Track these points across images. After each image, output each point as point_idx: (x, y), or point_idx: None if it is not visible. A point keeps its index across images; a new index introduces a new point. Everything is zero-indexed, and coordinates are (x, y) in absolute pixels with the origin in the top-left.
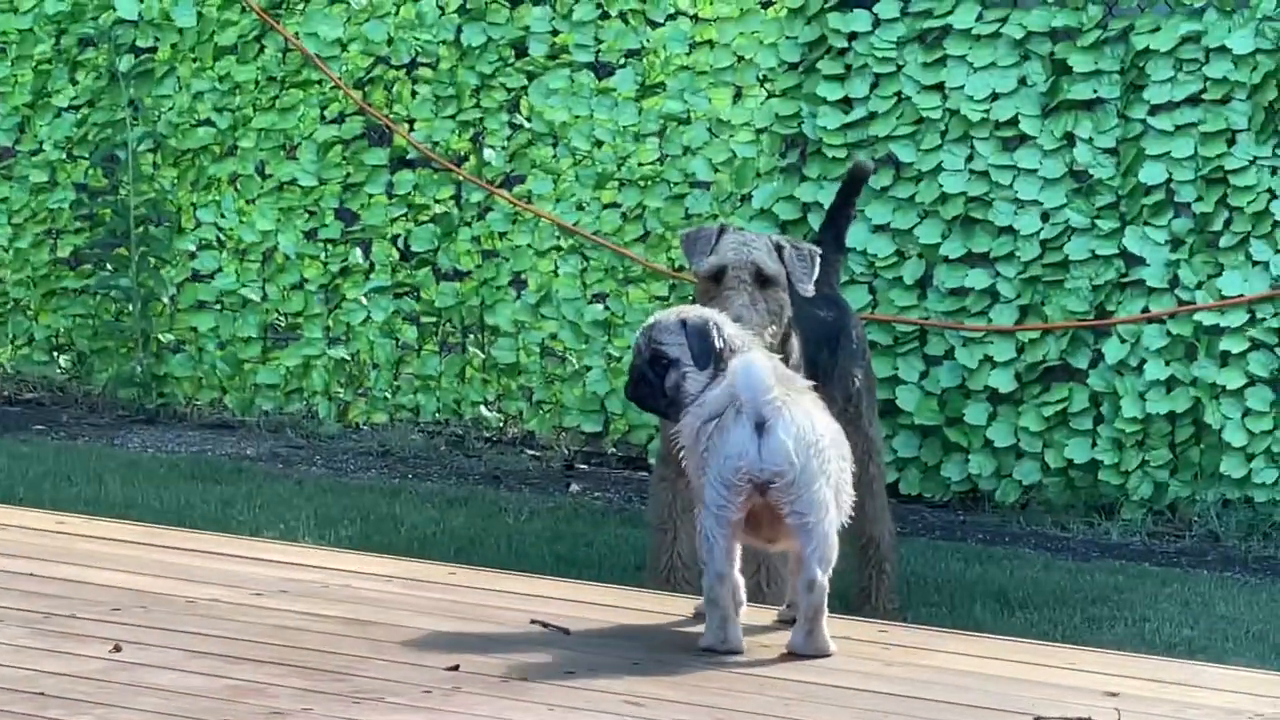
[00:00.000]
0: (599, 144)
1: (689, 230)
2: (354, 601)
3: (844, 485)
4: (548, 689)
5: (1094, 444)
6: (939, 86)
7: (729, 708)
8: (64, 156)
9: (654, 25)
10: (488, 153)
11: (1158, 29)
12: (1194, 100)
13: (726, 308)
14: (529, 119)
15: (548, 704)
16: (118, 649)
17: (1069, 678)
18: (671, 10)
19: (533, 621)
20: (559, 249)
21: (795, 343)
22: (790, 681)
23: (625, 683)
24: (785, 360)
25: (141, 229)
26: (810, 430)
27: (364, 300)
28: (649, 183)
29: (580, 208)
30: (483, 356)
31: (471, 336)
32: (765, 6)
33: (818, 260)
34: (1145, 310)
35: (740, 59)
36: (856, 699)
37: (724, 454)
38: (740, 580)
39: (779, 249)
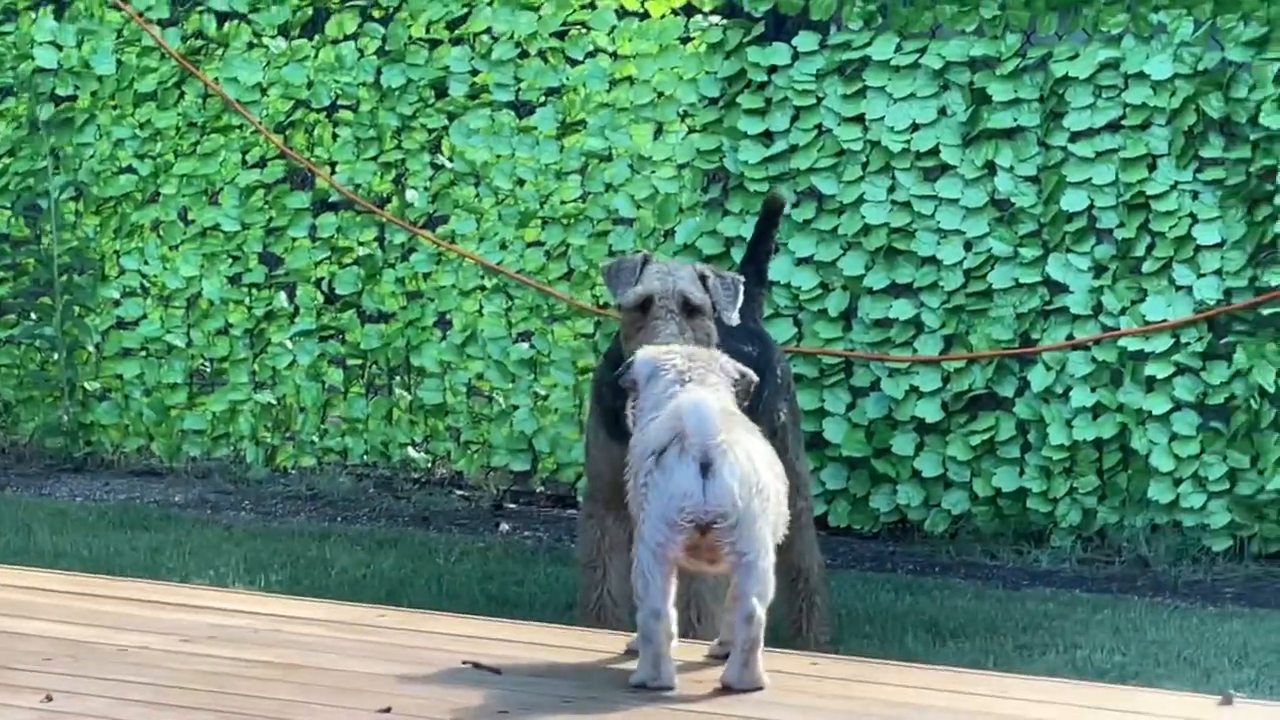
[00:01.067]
0: (521, 182)
1: (610, 262)
2: (283, 645)
3: (781, 515)
4: None
5: (1022, 472)
6: (859, 118)
7: None
8: None
9: (573, 63)
10: (410, 194)
11: (1076, 56)
12: (1114, 126)
13: (654, 338)
14: (450, 159)
15: None
16: (49, 699)
17: (1000, 705)
18: (591, 48)
19: (464, 662)
20: (483, 288)
21: None
22: (724, 716)
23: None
24: None
25: (65, 277)
26: (753, 471)
27: (289, 344)
28: (572, 220)
29: (504, 246)
30: (409, 398)
31: (398, 378)
32: (684, 42)
33: (741, 288)
34: (1070, 337)
35: (660, 95)
36: None
37: (668, 493)
38: (673, 614)
39: (703, 278)
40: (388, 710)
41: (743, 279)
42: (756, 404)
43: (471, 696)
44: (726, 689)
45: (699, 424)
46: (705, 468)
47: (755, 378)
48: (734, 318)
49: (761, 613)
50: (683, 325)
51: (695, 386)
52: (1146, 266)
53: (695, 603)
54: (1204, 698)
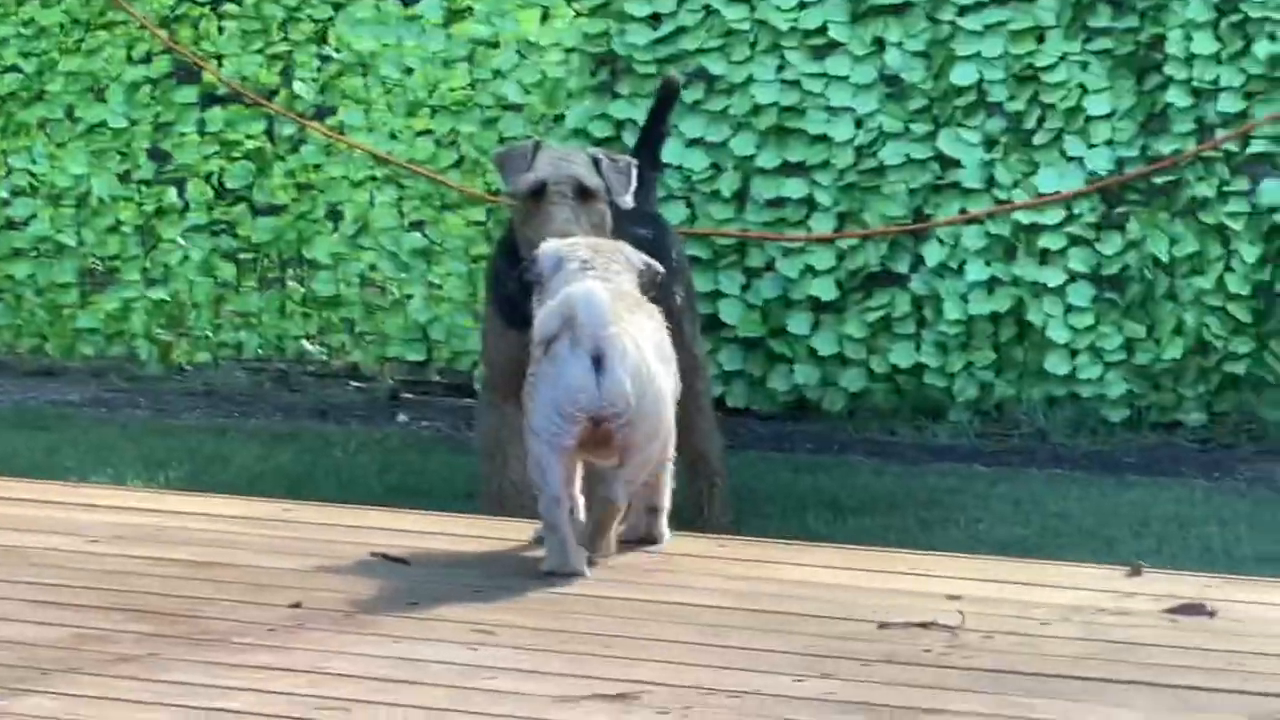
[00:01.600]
0: (409, 72)
1: (501, 149)
2: (190, 543)
3: (669, 399)
4: (392, 621)
5: (918, 348)
6: None
7: (574, 630)
8: None
9: None
10: (298, 85)
11: None
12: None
13: (549, 224)
14: (338, 50)
15: (393, 636)
16: None
17: (910, 583)
18: None
19: (372, 554)
20: (374, 179)
21: None
22: (634, 601)
23: (469, 610)
24: None
25: None
26: (644, 363)
27: (181, 240)
28: (461, 108)
29: (393, 136)
30: (303, 290)
31: (290, 271)
32: None
33: (634, 171)
34: (963, 212)
35: None
36: (700, 615)
37: (560, 385)
38: (580, 500)
39: (596, 162)
40: (298, 605)
41: (635, 161)
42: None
43: (382, 588)
44: (633, 580)
45: (590, 314)
46: (597, 361)
47: (660, 269)
48: (628, 201)
49: (622, 500)
50: (576, 211)
51: (598, 277)
52: (1038, 139)
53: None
54: (1113, 569)
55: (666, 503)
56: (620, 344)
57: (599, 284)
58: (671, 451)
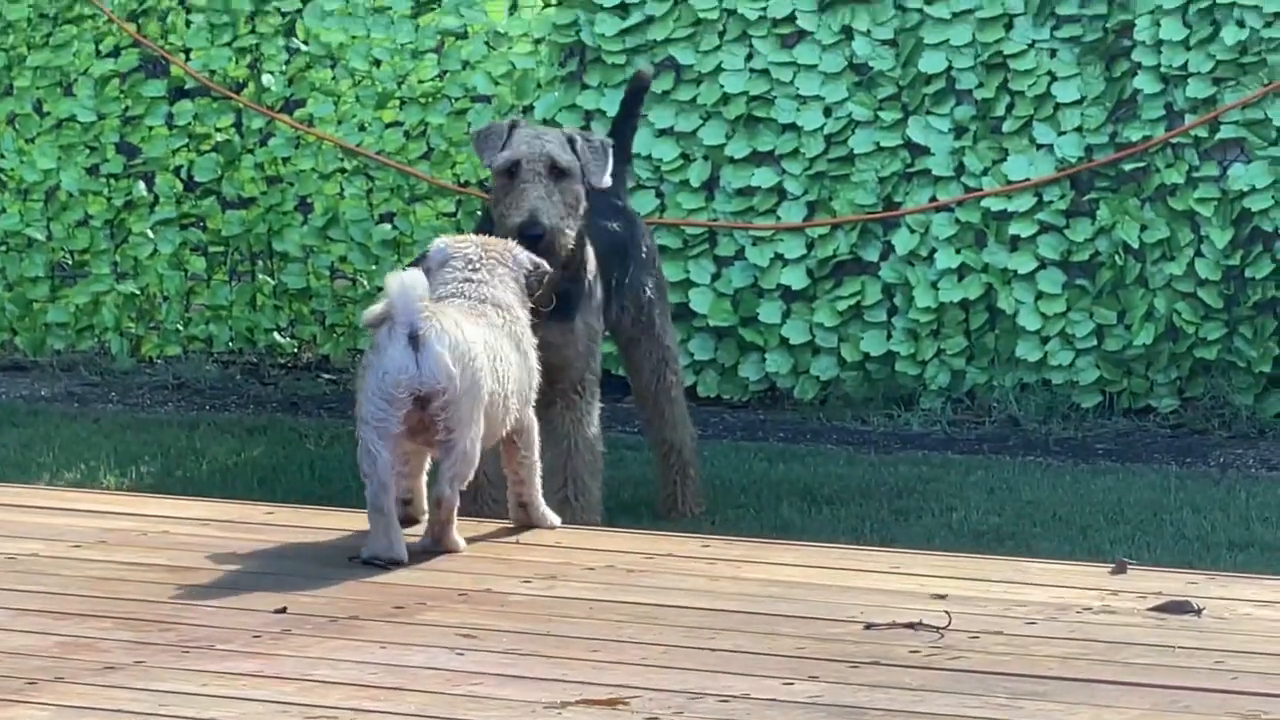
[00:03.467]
0: (377, 63)
1: (479, 128)
2: (174, 548)
3: (499, 397)
4: (378, 626)
5: (889, 336)
6: None
7: (561, 634)
8: None
9: None
10: (266, 78)
11: None
12: None
13: (522, 201)
14: (306, 42)
15: (379, 642)
16: None
17: (895, 582)
18: None
19: (351, 558)
20: (343, 171)
21: (590, 253)
22: (619, 604)
23: (454, 614)
24: (581, 270)
25: None
26: (463, 341)
27: (150, 234)
28: (430, 100)
29: (362, 128)
30: (273, 283)
31: (260, 263)
32: None
33: (610, 151)
34: (933, 199)
35: None
36: (684, 616)
37: (382, 369)
38: (423, 488)
39: (571, 141)
40: (284, 610)
41: (611, 141)
42: (624, 279)
43: (365, 594)
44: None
45: (402, 298)
46: (414, 340)
47: (548, 269)
48: (604, 181)
49: (453, 496)
50: (550, 188)
51: (485, 274)
52: (1007, 126)
53: (571, 480)
54: (1097, 566)
55: (536, 496)
56: (436, 322)
57: (417, 272)
58: (530, 445)
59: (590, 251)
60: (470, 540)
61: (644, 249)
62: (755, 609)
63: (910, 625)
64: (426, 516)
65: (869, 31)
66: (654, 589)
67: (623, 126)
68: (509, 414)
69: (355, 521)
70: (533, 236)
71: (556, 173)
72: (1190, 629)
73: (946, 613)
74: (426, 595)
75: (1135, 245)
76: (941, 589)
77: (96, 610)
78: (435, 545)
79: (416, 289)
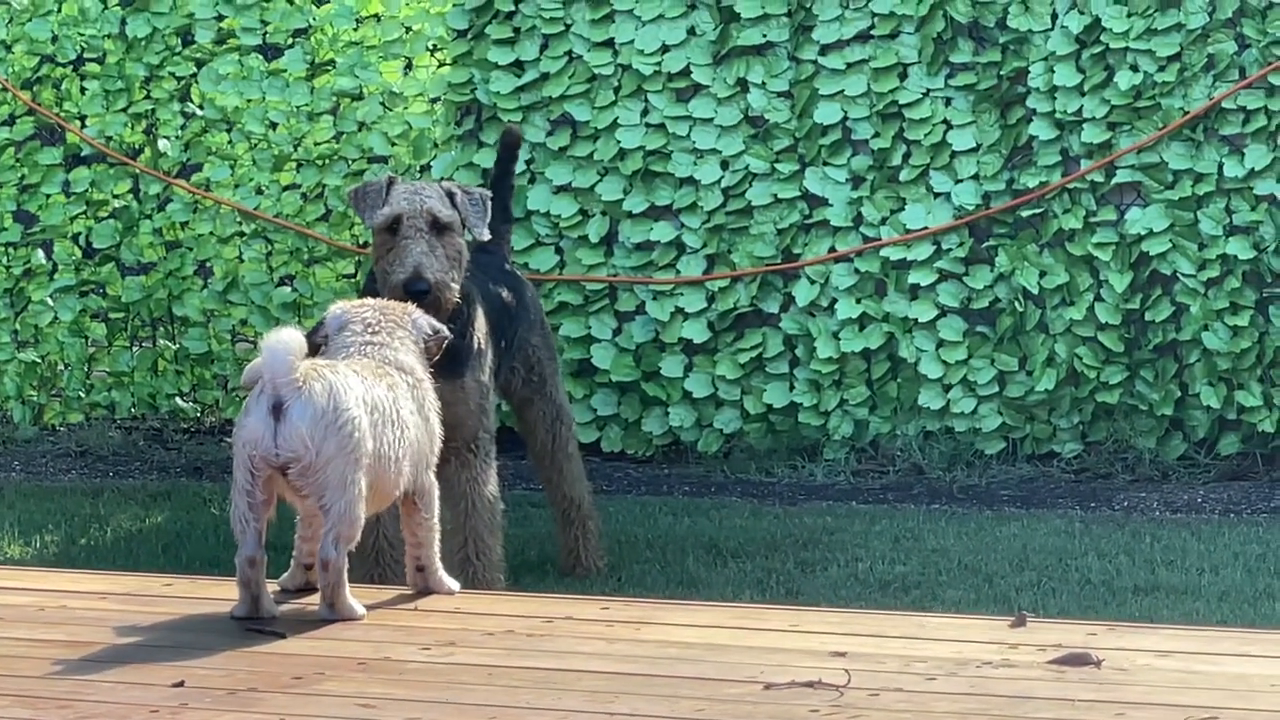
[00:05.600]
0: (273, 126)
1: (357, 186)
2: (72, 623)
3: (388, 460)
4: (275, 697)
5: (792, 387)
6: (609, 43)
7: (461, 701)
8: None
9: (319, 3)
10: (163, 143)
11: None
12: (863, 37)
13: (405, 257)
14: (201, 106)
15: (278, 714)
16: None
17: (794, 640)
18: None
19: (248, 629)
20: (242, 234)
21: (479, 311)
22: (516, 669)
23: (354, 684)
24: (469, 326)
25: None
26: (331, 410)
27: (50, 301)
28: (327, 161)
29: (260, 191)
30: (174, 348)
31: (161, 329)
32: None
33: (490, 203)
34: (832, 250)
35: (408, 30)
36: (582, 681)
37: (241, 438)
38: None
39: (451, 195)
40: (181, 684)
41: (490, 194)
42: (512, 340)
43: (265, 662)
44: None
45: (273, 362)
46: (276, 409)
47: (448, 334)
48: (484, 233)
49: (338, 558)
50: (432, 243)
51: (385, 336)
52: (904, 175)
53: (471, 539)
54: (997, 620)
55: (434, 560)
56: (304, 390)
57: (293, 331)
58: (429, 507)
59: (479, 310)
60: (369, 607)
61: (530, 309)
62: (655, 671)
63: (809, 684)
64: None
65: (764, 84)
66: (553, 653)
67: (499, 186)
68: (401, 476)
69: None
70: (418, 292)
71: (438, 227)
72: (1090, 681)
73: (846, 670)
74: (325, 665)
75: (1035, 291)
76: (841, 646)
77: None
78: (330, 612)
79: (289, 351)
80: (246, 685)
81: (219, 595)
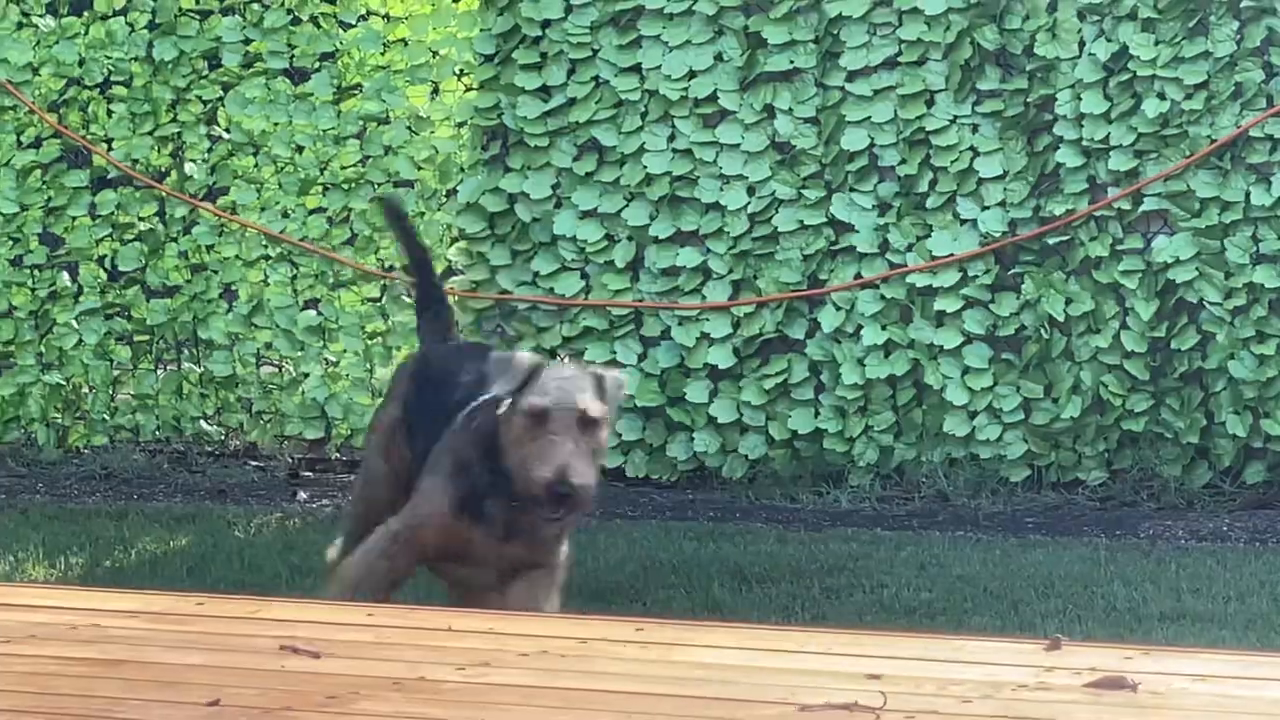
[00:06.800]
0: (300, 150)
1: (501, 353)
2: (105, 641)
3: None
4: (310, 716)
5: (817, 413)
6: (636, 68)
7: None
8: None
9: (346, 27)
10: (189, 166)
11: None
12: (890, 63)
13: (552, 456)
14: (228, 130)
15: None
16: None
17: (829, 662)
18: (363, 11)
19: (282, 647)
20: (267, 258)
21: None
22: (551, 690)
23: (389, 704)
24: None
25: None
26: None
27: (75, 324)
28: (353, 185)
29: (285, 215)
30: (199, 371)
31: (186, 352)
32: (456, 0)
33: (624, 388)
34: (858, 276)
35: (435, 55)
36: (617, 701)
37: None
38: None
39: (600, 384)
40: (216, 703)
41: (625, 378)
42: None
43: (298, 682)
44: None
45: None
46: None
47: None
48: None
49: None
50: (579, 441)
51: None
52: (930, 202)
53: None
54: (1032, 643)
55: None
56: None
57: None
58: None
59: None
60: (401, 627)
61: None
62: (688, 692)
63: (845, 706)
64: None
65: (791, 110)
66: (587, 674)
67: (416, 260)
68: None
69: (285, 610)
70: (560, 495)
71: (586, 422)
72: (1126, 705)
73: (882, 693)
74: (360, 684)
75: (1061, 318)
76: (875, 668)
77: (26, 706)
78: None
79: None
80: (281, 704)
81: (251, 614)
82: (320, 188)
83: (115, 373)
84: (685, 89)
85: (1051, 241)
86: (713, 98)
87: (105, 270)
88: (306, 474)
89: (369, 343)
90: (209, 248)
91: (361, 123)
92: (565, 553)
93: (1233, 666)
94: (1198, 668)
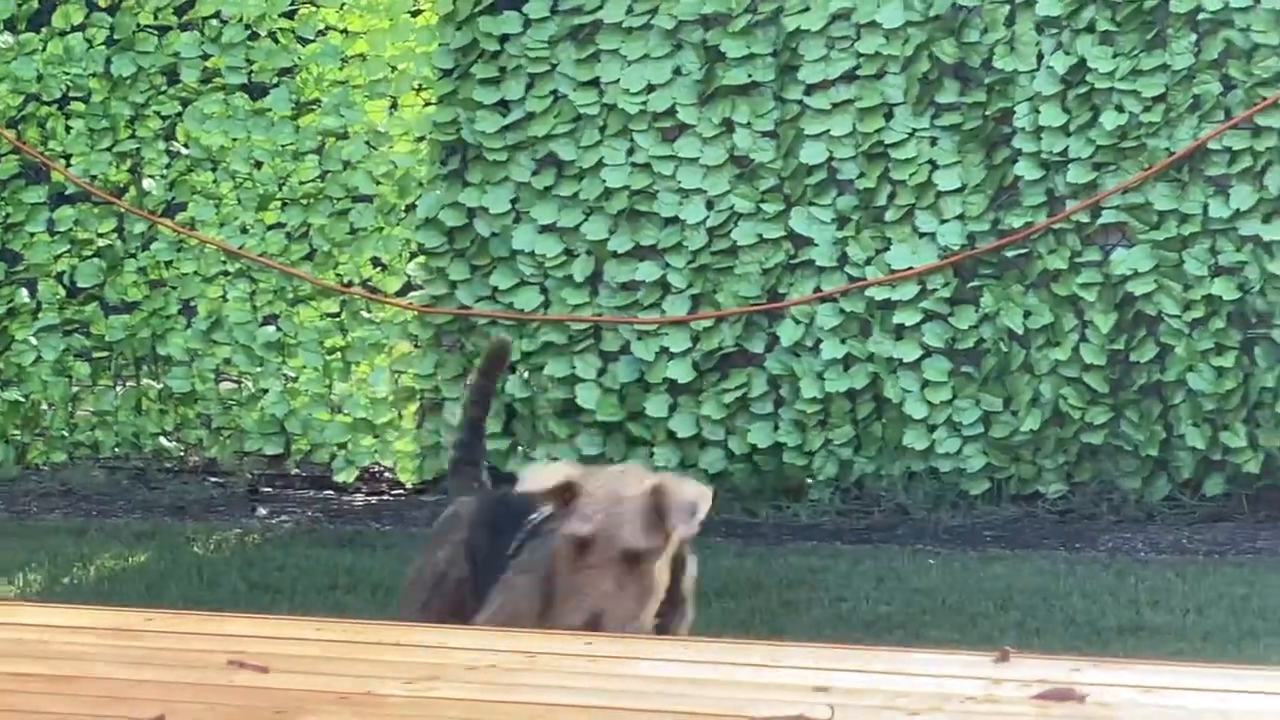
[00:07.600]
0: (258, 165)
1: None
2: (54, 657)
3: None
4: None
5: (776, 427)
6: (594, 82)
7: None
8: None
9: (305, 42)
10: (147, 182)
11: (808, 9)
12: (849, 77)
13: (584, 596)
14: (186, 145)
15: None
16: None
17: (777, 675)
18: (321, 26)
19: (230, 662)
20: (226, 274)
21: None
22: (499, 704)
23: (336, 718)
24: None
25: None
26: None
27: (34, 340)
28: (311, 200)
29: (244, 230)
30: (158, 387)
31: (145, 368)
32: (414, 15)
33: (707, 502)
34: (817, 290)
35: (394, 70)
36: (564, 715)
37: None
38: None
39: (659, 505)
40: (161, 718)
41: (705, 496)
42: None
43: (246, 697)
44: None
45: None
46: None
47: None
48: (692, 528)
49: None
50: (622, 580)
51: None
52: (889, 215)
53: None
54: (980, 654)
55: None
56: None
57: None
58: None
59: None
60: (349, 641)
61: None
62: (638, 705)
63: (792, 719)
64: None
65: (749, 124)
66: (535, 688)
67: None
68: None
69: (235, 625)
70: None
71: (630, 558)
72: (1074, 717)
73: (829, 705)
74: (307, 699)
75: (1020, 331)
76: (823, 681)
77: None
78: None
79: None
80: (228, 719)
81: (201, 629)
82: (279, 203)
83: (74, 389)
84: (644, 103)
85: (1010, 254)
86: (671, 112)
87: (64, 286)
88: (266, 489)
89: (328, 358)
90: (168, 263)
91: (320, 138)
92: (689, 583)
93: (1183, 677)
94: (1146, 679)
